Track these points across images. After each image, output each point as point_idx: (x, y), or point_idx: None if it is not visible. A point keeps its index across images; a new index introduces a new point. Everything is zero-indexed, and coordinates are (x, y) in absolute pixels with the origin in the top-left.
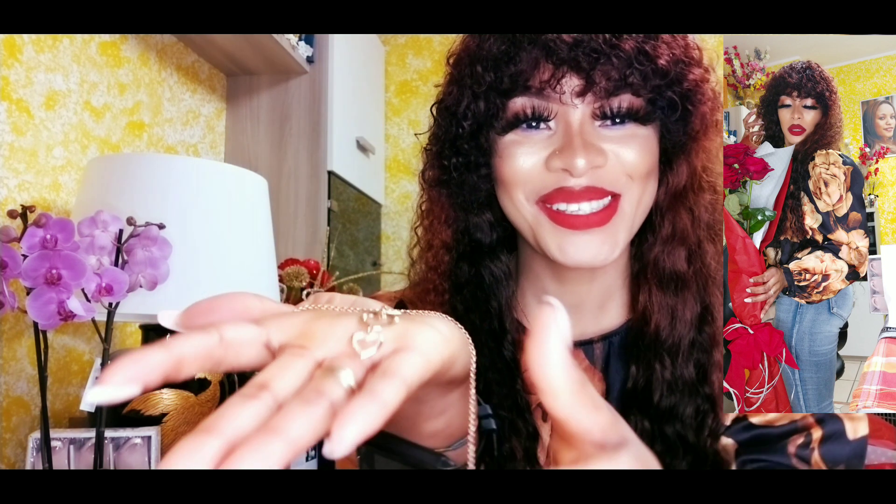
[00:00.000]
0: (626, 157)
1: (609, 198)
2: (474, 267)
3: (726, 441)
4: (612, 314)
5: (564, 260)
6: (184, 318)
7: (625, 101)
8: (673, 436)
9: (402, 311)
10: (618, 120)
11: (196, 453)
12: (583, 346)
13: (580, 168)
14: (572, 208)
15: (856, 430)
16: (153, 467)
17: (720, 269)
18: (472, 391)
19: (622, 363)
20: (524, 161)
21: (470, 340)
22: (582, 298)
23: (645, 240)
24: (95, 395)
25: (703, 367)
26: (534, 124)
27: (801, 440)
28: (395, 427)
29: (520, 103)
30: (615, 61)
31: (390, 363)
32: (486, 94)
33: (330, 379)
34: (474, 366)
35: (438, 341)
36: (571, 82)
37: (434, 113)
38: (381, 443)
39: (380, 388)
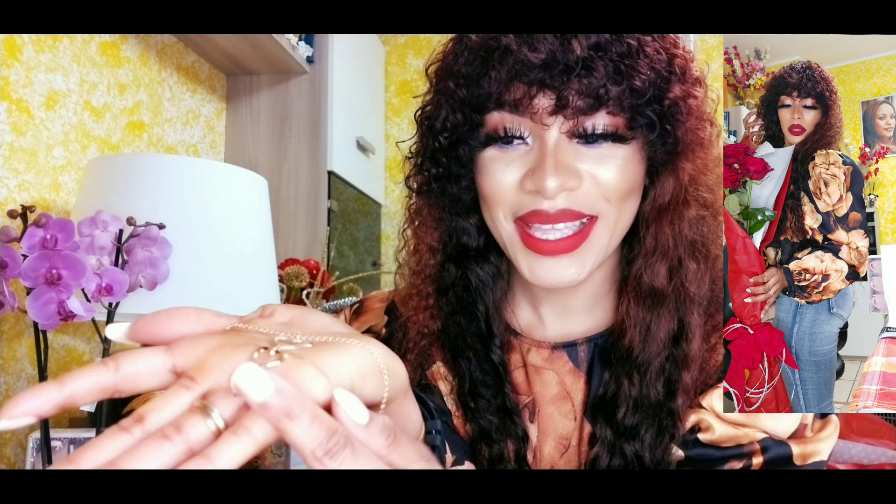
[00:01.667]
0: (603, 177)
1: (585, 220)
2: (461, 269)
3: (676, 452)
4: (598, 316)
5: (533, 281)
6: (129, 332)
7: (600, 119)
8: (630, 454)
9: (312, 339)
10: (594, 140)
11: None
12: (566, 348)
13: (551, 190)
14: (545, 228)
15: (807, 456)
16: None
17: (702, 289)
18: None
19: (603, 366)
20: (501, 179)
21: (386, 366)
22: (569, 302)
23: (631, 249)
24: None
25: (673, 387)
26: (510, 140)
27: (738, 466)
28: None
29: (495, 119)
30: (586, 81)
31: (247, 417)
32: (462, 109)
33: (197, 417)
34: (387, 394)
35: (315, 387)
36: (544, 101)
37: (416, 120)
38: None
39: (217, 452)
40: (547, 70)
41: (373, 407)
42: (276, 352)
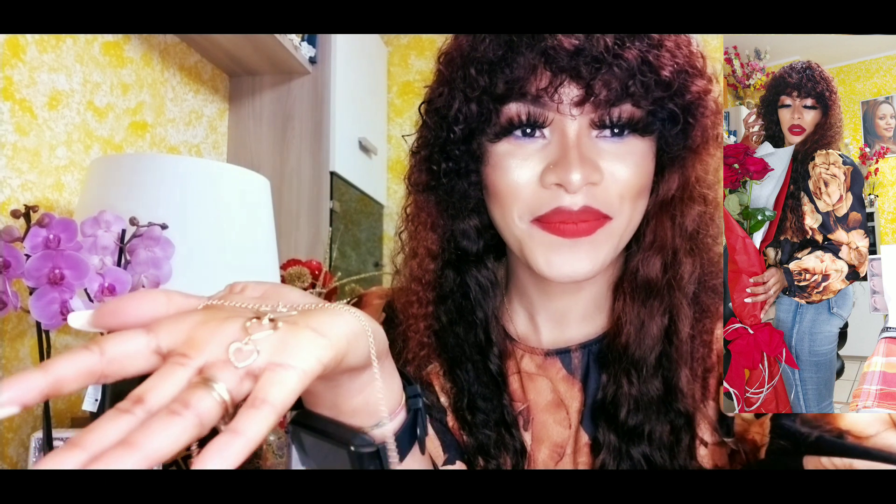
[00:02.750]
0: (621, 175)
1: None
2: (460, 276)
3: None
4: (594, 322)
5: (550, 273)
6: (94, 318)
7: (625, 111)
8: (638, 457)
9: (294, 308)
10: (616, 131)
11: (59, 466)
12: (559, 355)
13: (575, 183)
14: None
15: None
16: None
17: (692, 286)
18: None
19: (600, 372)
20: (518, 175)
21: (370, 328)
22: (567, 308)
23: (630, 248)
24: None
25: (673, 384)
26: (528, 131)
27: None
28: (318, 407)
29: (514, 109)
30: (617, 71)
31: (260, 388)
32: (480, 99)
33: (201, 391)
34: (374, 352)
35: (317, 348)
36: (570, 91)
37: (423, 114)
38: (306, 422)
39: (243, 425)
40: (579, 56)
41: (363, 367)
42: (270, 319)
